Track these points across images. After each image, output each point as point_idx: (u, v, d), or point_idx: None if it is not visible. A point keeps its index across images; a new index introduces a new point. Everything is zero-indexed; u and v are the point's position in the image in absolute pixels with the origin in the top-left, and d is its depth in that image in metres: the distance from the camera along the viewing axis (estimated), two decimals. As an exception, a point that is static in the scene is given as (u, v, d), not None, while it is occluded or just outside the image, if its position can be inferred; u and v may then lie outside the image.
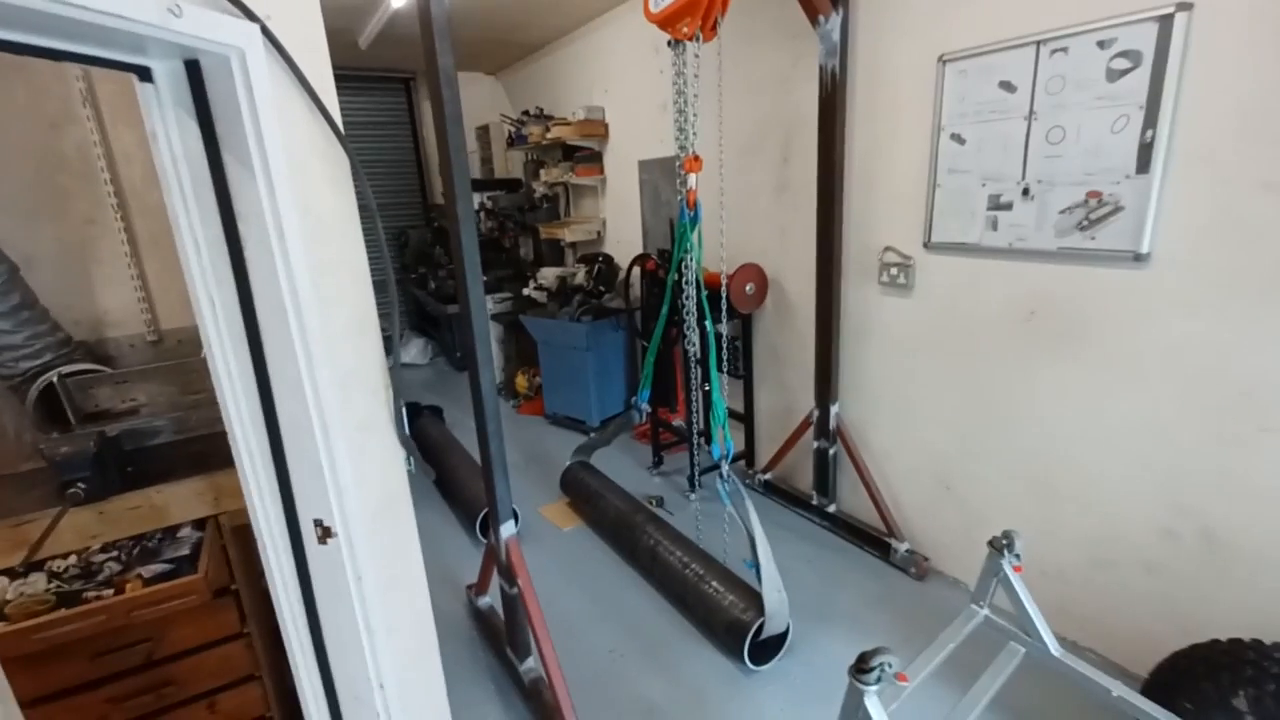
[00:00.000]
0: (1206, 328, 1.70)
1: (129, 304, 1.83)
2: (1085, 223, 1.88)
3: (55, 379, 1.55)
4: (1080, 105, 1.84)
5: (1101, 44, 1.77)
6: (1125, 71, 1.74)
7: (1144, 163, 1.73)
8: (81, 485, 1.35)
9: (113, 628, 1.29)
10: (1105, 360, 1.92)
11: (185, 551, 1.45)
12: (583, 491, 3.09)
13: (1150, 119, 1.70)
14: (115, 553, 1.44)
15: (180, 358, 1.81)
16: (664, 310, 2.62)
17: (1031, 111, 1.95)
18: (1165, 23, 1.64)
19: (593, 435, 3.47)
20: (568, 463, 3.30)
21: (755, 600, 2.08)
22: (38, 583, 1.33)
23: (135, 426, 1.58)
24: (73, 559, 1.41)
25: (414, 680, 1.46)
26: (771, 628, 2.05)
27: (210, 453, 1.53)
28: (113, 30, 0.75)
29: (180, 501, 1.46)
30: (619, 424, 3.19)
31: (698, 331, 2.20)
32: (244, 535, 1.47)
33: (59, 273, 1.72)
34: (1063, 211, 1.93)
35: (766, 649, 2.12)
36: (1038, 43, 1.90)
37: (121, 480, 1.44)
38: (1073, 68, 1.84)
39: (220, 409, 1.12)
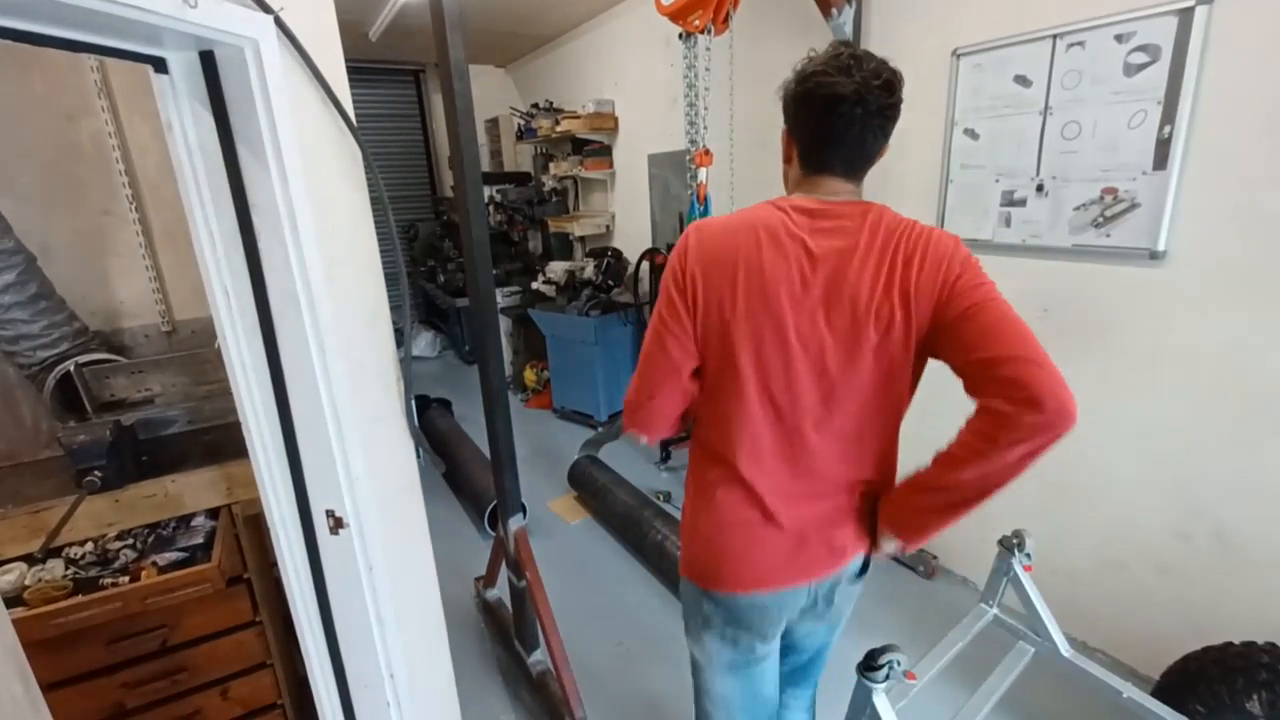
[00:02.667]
0: (1223, 327, 1.68)
1: (144, 294, 1.85)
2: (1100, 220, 1.86)
3: (72, 368, 1.56)
4: (1097, 100, 1.81)
5: (1119, 38, 1.74)
6: (1143, 66, 1.71)
7: (1161, 159, 1.71)
8: (98, 473, 1.36)
9: (128, 614, 1.31)
10: (1119, 359, 1.90)
11: (199, 540, 1.47)
12: (590, 486, 3.10)
13: (1168, 114, 1.68)
14: (131, 540, 1.46)
15: (194, 348, 1.83)
16: (673, 305, 2.62)
17: (1047, 106, 1.93)
18: (1185, 16, 1.61)
19: (600, 430, 3.47)
20: (576, 457, 3.30)
21: (762, 596, 2.08)
22: (55, 569, 1.35)
23: (150, 416, 1.59)
24: (89, 546, 1.43)
25: (423, 670, 1.47)
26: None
27: (223, 443, 1.55)
28: (129, 21, 0.76)
29: (194, 491, 1.48)
30: (627, 418, 3.20)
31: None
32: (257, 524, 1.49)
33: (75, 263, 1.73)
34: (1077, 208, 1.91)
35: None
36: (1054, 36, 1.87)
37: (137, 469, 1.46)
38: (1089, 62, 1.81)
39: (234, 399, 1.13)
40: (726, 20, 1.97)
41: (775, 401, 0.98)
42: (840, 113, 0.92)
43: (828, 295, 0.94)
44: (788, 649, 1.26)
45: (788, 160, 1.05)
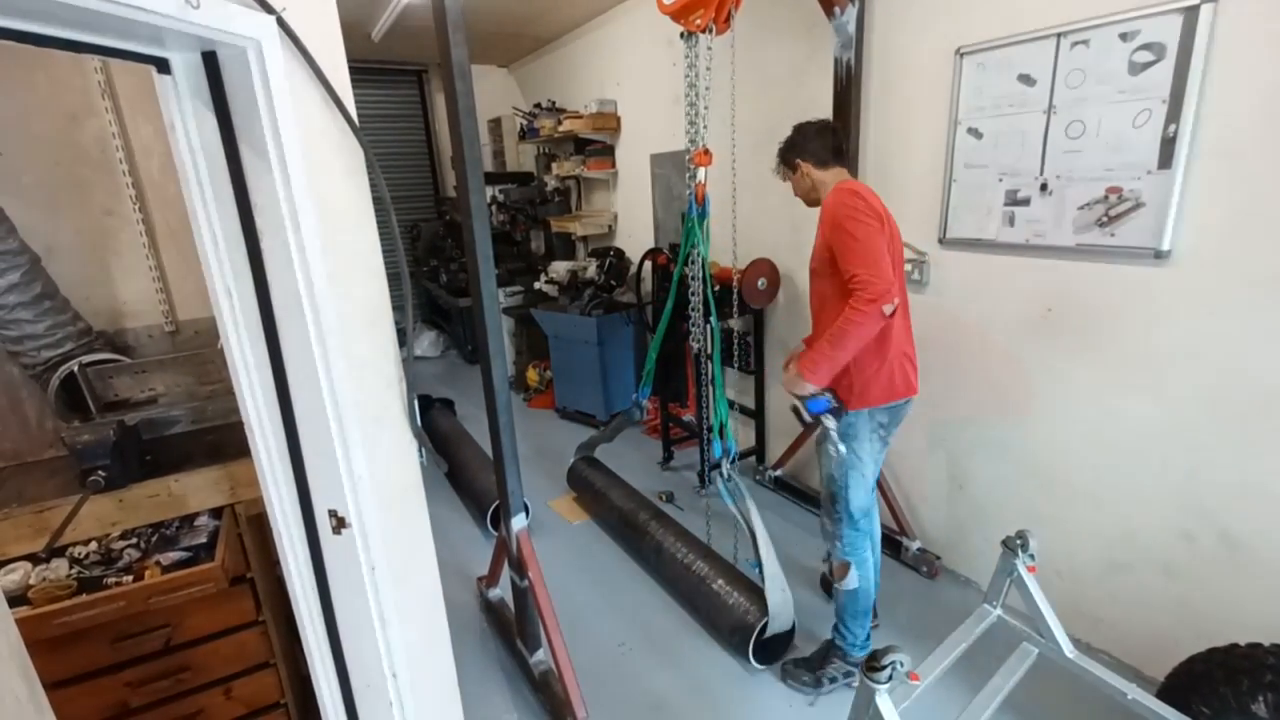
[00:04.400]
0: (1228, 327, 1.67)
1: (147, 295, 1.85)
2: (1104, 219, 1.85)
3: (76, 368, 1.57)
4: (1101, 99, 1.81)
5: (1124, 36, 1.73)
6: (1148, 64, 1.70)
7: (1166, 158, 1.70)
8: (102, 473, 1.37)
9: (132, 613, 1.31)
10: (1123, 359, 1.90)
11: (202, 540, 1.47)
12: (589, 488, 3.10)
13: (1173, 113, 1.67)
14: (134, 540, 1.47)
15: (197, 348, 1.83)
16: (669, 305, 2.61)
17: (1051, 105, 1.92)
18: (1190, 14, 1.60)
19: (599, 431, 3.47)
20: (572, 459, 3.30)
21: (761, 600, 2.08)
22: (60, 568, 1.36)
23: (154, 416, 1.60)
24: (93, 545, 1.44)
25: (426, 670, 1.47)
26: (775, 627, 2.04)
27: (226, 443, 1.55)
28: (132, 22, 0.76)
29: (197, 490, 1.48)
30: (621, 421, 3.19)
31: (704, 327, 2.19)
32: (260, 524, 1.49)
33: (79, 263, 1.74)
34: (1081, 207, 1.90)
35: (776, 643, 2.12)
36: (1058, 35, 1.86)
37: (141, 469, 1.46)
38: (1094, 61, 1.80)
39: (237, 399, 1.14)
40: (728, 20, 1.96)
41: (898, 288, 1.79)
42: (835, 132, 1.95)
43: (891, 227, 1.80)
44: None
45: (804, 174, 1.94)
